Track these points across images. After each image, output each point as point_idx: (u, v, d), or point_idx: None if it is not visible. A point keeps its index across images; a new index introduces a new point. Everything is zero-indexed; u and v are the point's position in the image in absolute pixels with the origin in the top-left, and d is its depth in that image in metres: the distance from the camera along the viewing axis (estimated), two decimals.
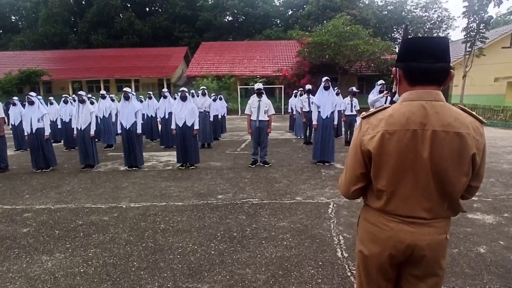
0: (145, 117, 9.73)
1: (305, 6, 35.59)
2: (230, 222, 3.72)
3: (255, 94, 6.54)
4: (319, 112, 6.56)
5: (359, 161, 1.28)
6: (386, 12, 35.01)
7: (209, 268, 2.74)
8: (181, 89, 6.42)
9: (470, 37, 16.19)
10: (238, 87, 21.93)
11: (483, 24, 15.74)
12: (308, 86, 9.11)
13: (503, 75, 18.37)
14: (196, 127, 6.45)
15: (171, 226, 3.63)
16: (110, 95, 10.34)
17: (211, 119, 9.20)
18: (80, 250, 3.12)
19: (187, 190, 5.01)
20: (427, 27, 34.32)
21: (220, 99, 11.70)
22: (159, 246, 3.16)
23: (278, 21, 37.93)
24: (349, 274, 2.61)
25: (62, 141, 9.65)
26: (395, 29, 35.95)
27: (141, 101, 10.17)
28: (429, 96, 1.20)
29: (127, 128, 6.47)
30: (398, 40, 36.06)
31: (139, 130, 6.60)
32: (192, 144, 6.47)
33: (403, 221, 1.24)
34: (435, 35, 34.97)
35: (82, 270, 2.77)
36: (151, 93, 10.53)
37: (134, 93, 8.28)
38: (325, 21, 29.45)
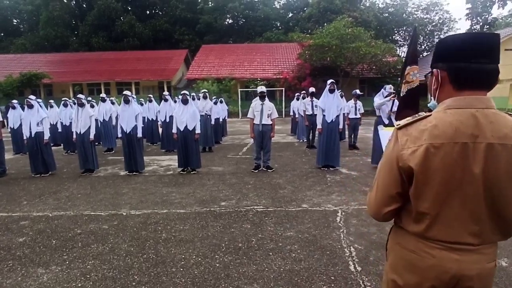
0: (146, 120, 9.59)
1: (305, 9, 35.57)
2: (234, 231, 3.57)
3: (258, 97, 6.40)
4: (324, 115, 6.42)
5: (395, 179, 1.11)
6: (387, 14, 34.90)
7: (214, 283, 2.58)
8: (182, 92, 6.29)
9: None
10: (239, 90, 21.83)
11: (487, 26, 15.62)
12: (312, 89, 8.97)
13: (506, 77, 18.20)
14: (198, 131, 6.32)
15: (173, 236, 3.48)
16: (110, 98, 10.23)
17: (212, 122, 9.07)
18: (78, 262, 2.97)
19: (189, 197, 4.86)
20: (428, 29, 34.19)
21: (221, 102, 11.58)
22: (161, 258, 3.01)
23: (278, 24, 37.87)
24: None
25: (62, 145, 9.52)
26: (396, 32, 35.88)
27: (142, 104, 10.04)
28: (480, 103, 1.04)
29: (128, 132, 6.33)
30: (400, 42, 36.04)
31: (139, 134, 6.46)
32: (194, 149, 6.33)
33: (447, 247, 1.08)
34: (436, 37, 34.94)
35: (79, 285, 2.61)
36: (151, 96, 10.41)
37: (135, 96, 8.15)
38: (325, 24, 29.37)
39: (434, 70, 1.13)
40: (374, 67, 22.13)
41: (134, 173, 6.41)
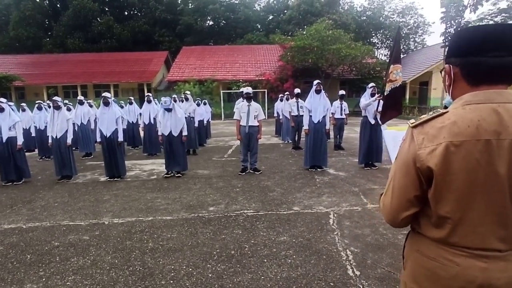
0: (126, 123, 9.23)
1: (286, 11, 35.81)
2: (225, 238, 3.41)
3: (244, 99, 6.28)
4: (310, 116, 6.37)
5: (412, 182, 1.02)
6: (365, 18, 35.70)
7: None
8: (164, 100, 6.03)
9: (448, 42, 16.64)
10: (221, 91, 21.64)
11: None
12: (297, 90, 8.94)
13: None
14: (185, 133, 6.11)
15: (160, 245, 3.28)
16: (88, 101, 9.79)
17: (196, 124, 8.86)
18: (56, 279, 2.72)
19: (175, 202, 4.65)
20: (404, 32, 35.25)
21: (205, 104, 11.36)
22: (149, 270, 2.81)
23: (259, 26, 37.89)
24: None
25: (37, 150, 9.00)
26: (374, 34, 36.75)
27: (122, 107, 9.68)
28: (501, 97, 0.96)
29: (108, 136, 6.03)
30: (377, 44, 36.94)
31: (120, 138, 6.17)
32: (180, 151, 6.12)
33: (472, 254, 0.99)
34: (411, 40, 36.09)
35: None
36: (132, 98, 10.05)
37: (114, 99, 7.81)
38: (306, 26, 29.68)
39: (446, 65, 1.05)
40: (354, 69, 22.51)
41: (116, 178, 6.11)
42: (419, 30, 36.09)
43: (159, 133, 6.21)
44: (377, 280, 2.55)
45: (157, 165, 7.36)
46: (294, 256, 2.97)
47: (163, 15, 33.95)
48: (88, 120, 8.85)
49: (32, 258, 3.10)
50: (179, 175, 6.19)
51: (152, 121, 8.66)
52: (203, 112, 10.07)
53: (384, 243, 3.22)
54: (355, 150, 8.71)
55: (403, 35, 34.97)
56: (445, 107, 1.12)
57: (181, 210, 4.31)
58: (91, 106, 9.47)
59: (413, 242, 1.13)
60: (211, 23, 37.17)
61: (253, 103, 6.23)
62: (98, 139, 6.19)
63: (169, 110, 6.00)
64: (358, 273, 2.66)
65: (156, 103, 9.46)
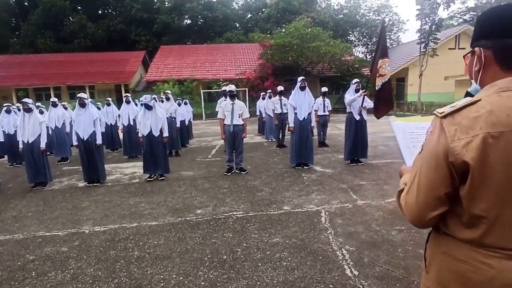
0: (104, 125, 8.84)
1: (264, 10, 35.81)
2: (216, 242, 3.26)
3: (228, 97, 6.12)
4: (295, 113, 6.30)
5: (443, 177, 0.92)
6: (342, 16, 36.21)
7: None
8: (143, 98, 5.79)
9: (424, 38, 17.12)
10: (201, 91, 21.30)
11: (435, 26, 16.72)
12: (280, 88, 8.86)
13: (452, 74, 19.77)
14: (166, 134, 5.88)
15: (147, 253, 3.08)
16: (63, 103, 9.29)
17: (178, 125, 8.60)
18: None
19: (160, 206, 4.44)
20: (379, 30, 36.14)
21: (185, 103, 11.08)
22: (136, 281, 2.62)
23: (238, 24, 37.67)
24: None
25: (6, 156, 8.44)
26: (351, 32, 37.37)
27: (99, 108, 9.25)
28: None
29: (85, 139, 5.71)
30: (355, 42, 37.57)
31: (99, 141, 5.85)
32: (161, 153, 5.88)
33: (507, 255, 0.90)
34: (388, 38, 36.97)
35: None
36: (110, 99, 9.64)
37: (91, 100, 7.44)
38: (284, 24, 29.76)
39: (476, 48, 0.96)
40: (333, 66, 22.76)
41: (95, 184, 5.80)
42: (394, 28, 37.05)
43: (140, 134, 5.97)
44: (376, 279, 2.48)
45: (139, 168, 7.06)
46: (289, 258, 2.86)
47: (139, 13, 33.06)
48: (63, 123, 8.40)
49: (3, 276, 2.82)
50: (162, 178, 5.95)
51: (132, 123, 8.33)
52: (184, 112, 9.81)
53: (378, 240, 3.17)
54: (339, 146, 8.76)
55: (378, 33, 35.87)
56: (468, 95, 1.01)
57: (167, 215, 4.11)
58: (65, 108, 9.00)
59: (439, 244, 1.03)
60: (188, 21, 36.58)
61: (237, 101, 6.09)
62: (75, 143, 5.84)
63: (149, 108, 5.75)
64: (356, 273, 2.59)
65: (137, 104, 9.11)
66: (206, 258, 2.93)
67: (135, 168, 7.11)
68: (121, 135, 9.11)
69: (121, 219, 4.03)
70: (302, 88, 6.26)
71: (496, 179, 0.86)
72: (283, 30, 22.84)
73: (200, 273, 2.69)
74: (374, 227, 3.47)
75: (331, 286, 2.42)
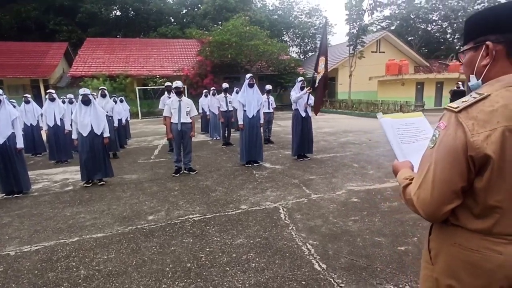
0: (23, 126, 7.65)
1: (200, 5, 35.03)
2: (176, 249, 3.02)
3: (174, 94, 5.78)
4: (244, 111, 6.25)
5: (460, 172, 0.93)
6: (276, 16, 37.35)
7: None
8: (81, 91, 5.15)
9: (352, 41, 18.56)
10: (136, 88, 19.97)
11: (361, 31, 18.25)
12: (225, 85, 8.72)
13: (375, 74, 21.92)
14: (107, 134, 5.31)
15: (96, 271, 2.71)
16: None
17: (116, 124, 7.88)
18: None
19: (104, 215, 3.98)
20: (311, 32, 38.16)
21: (121, 101, 10.21)
22: None
23: (173, 19, 36.22)
24: None
25: None
26: (285, 33, 38.77)
27: (14, 106, 7.96)
28: None
29: (1, 143, 4.83)
30: (289, 43, 39.10)
31: (19, 144, 5.00)
32: (102, 155, 5.30)
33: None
34: (317, 40, 39.25)
35: None
36: (28, 96, 8.36)
37: (5, 96, 6.33)
38: (221, 21, 29.52)
39: (489, 42, 0.98)
40: (271, 65, 23.33)
41: (16, 195, 4.96)
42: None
43: (73, 136, 5.28)
44: (344, 271, 2.55)
45: (71, 173, 6.29)
46: (257, 259, 2.78)
47: (59, 0, 29.51)
48: None
49: None
50: (102, 182, 5.37)
51: (58, 123, 7.35)
52: (121, 111, 9.03)
53: (338, 231, 3.29)
54: (283, 143, 9.00)
55: (310, 34, 37.88)
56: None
57: (114, 224, 3.69)
58: None
59: (448, 236, 1.05)
60: (118, 13, 33.94)
61: (184, 98, 5.79)
62: None
63: (88, 103, 5.12)
64: (324, 266, 2.63)
65: (64, 101, 8.07)
66: (167, 269, 2.69)
67: (67, 173, 6.30)
68: (44, 137, 8.00)
69: (57, 234, 3.49)
70: (251, 86, 6.23)
71: (511, 171, 0.90)
72: (221, 27, 22.62)
73: (163, 286, 2.45)
74: (331, 220, 3.60)
75: (303, 282, 2.42)
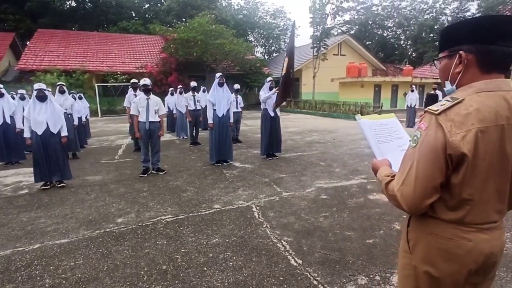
0: None
1: (163, 1, 34.02)
2: (150, 252, 2.93)
3: (142, 92, 5.59)
4: (214, 110, 6.20)
5: (440, 168, 1.03)
6: (242, 16, 37.39)
7: None
8: (37, 86, 4.78)
9: (316, 44, 19.15)
10: (95, 84, 18.92)
11: (325, 34, 18.89)
12: (193, 83, 8.59)
13: (337, 76, 22.85)
14: (65, 133, 4.98)
15: (63, 279, 2.55)
16: None
17: (75, 122, 7.42)
18: None
19: (67, 220, 3.74)
20: (276, 33, 38.76)
21: (80, 98, 9.61)
22: None
23: (134, 14, 34.77)
24: (315, 282, 2.42)
25: None
26: (250, 32, 38.95)
27: None
28: (506, 85, 1.07)
29: None
30: (254, 43, 39.37)
31: None
32: (60, 156, 4.96)
33: (479, 229, 1.09)
34: (282, 41, 39.95)
35: None
36: None
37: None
38: (186, 18, 28.93)
39: (462, 52, 1.09)
40: (237, 64, 23.32)
41: None
42: (288, 32, 40.25)
43: (26, 134, 4.86)
44: (319, 265, 2.65)
45: (24, 175, 5.82)
46: (234, 258, 2.80)
47: None
48: None
49: None
50: (62, 184, 5.03)
51: (8, 120, 6.73)
52: (81, 108, 8.52)
53: (310, 228, 3.40)
54: (251, 142, 9.08)
55: (275, 35, 38.43)
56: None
57: (80, 228, 3.49)
58: None
59: (425, 226, 1.15)
60: (73, 4, 31.87)
61: (152, 96, 5.62)
62: None
63: (43, 99, 4.76)
64: (300, 261, 2.72)
65: (14, 97, 7.43)
66: (142, 272, 2.61)
67: (19, 176, 5.82)
68: None
69: (14, 242, 3.22)
70: (221, 85, 6.21)
71: (482, 167, 1.02)
72: (186, 24, 22.15)
73: None
74: (303, 216, 3.71)
75: (281, 278, 2.48)
